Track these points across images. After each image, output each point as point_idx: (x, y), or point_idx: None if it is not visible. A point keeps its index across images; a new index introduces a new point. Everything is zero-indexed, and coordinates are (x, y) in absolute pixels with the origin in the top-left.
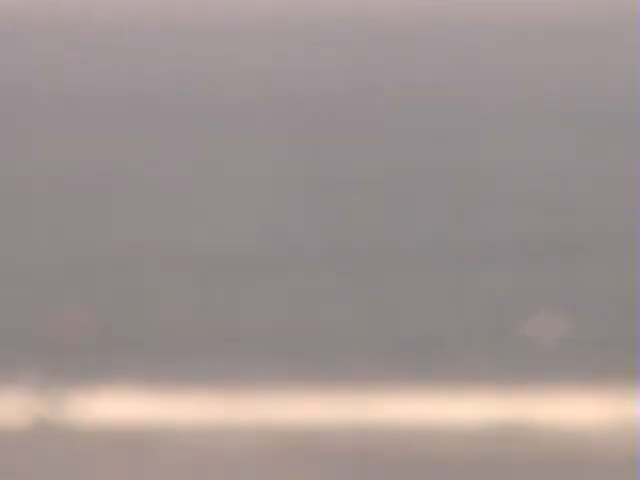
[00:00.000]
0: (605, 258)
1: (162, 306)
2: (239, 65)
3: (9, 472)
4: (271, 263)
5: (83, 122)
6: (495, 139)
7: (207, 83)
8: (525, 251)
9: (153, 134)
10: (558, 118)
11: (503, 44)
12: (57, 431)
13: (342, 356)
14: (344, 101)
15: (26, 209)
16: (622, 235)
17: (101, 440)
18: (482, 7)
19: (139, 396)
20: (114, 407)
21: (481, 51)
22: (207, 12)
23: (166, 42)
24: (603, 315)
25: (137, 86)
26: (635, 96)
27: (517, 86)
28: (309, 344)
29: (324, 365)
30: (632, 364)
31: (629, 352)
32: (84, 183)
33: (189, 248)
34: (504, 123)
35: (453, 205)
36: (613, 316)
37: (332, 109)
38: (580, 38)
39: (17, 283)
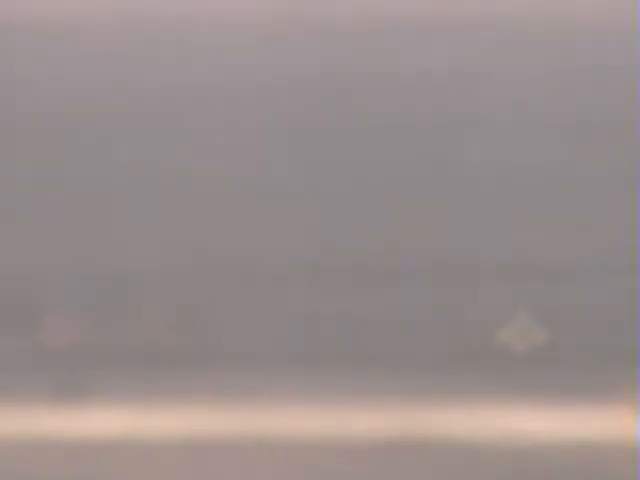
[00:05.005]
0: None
1: (163, 315)
2: (239, 65)
3: None
4: (269, 273)
5: (84, 121)
6: (490, 142)
7: (207, 81)
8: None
9: (151, 134)
10: (557, 123)
11: (502, 43)
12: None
13: (328, 373)
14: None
15: (25, 213)
16: (611, 252)
17: (98, 452)
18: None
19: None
20: (108, 419)
21: (480, 50)
22: (206, 8)
23: (166, 40)
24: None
25: (137, 85)
26: (635, 97)
27: (515, 86)
28: (306, 359)
29: (313, 380)
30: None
31: (621, 367)
32: (81, 186)
33: (187, 255)
34: (500, 127)
35: (441, 215)
36: (595, 331)
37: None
38: (580, 38)
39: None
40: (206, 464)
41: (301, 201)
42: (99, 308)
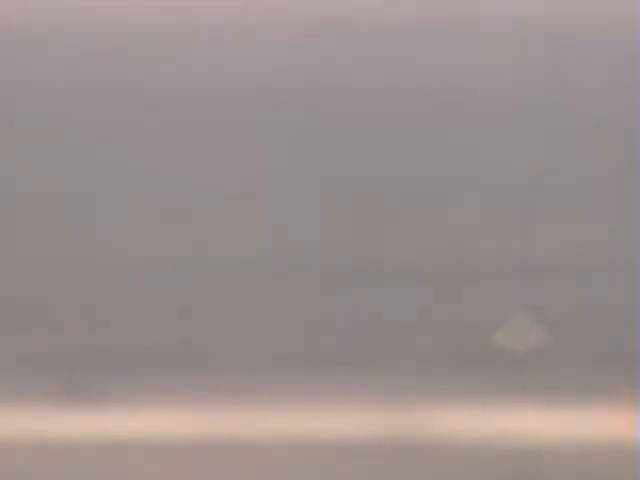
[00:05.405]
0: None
1: (166, 319)
2: (240, 68)
3: None
4: (268, 273)
5: (86, 123)
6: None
7: (210, 83)
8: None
9: (150, 137)
10: (557, 122)
11: (503, 43)
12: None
13: (327, 374)
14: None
15: (26, 214)
16: (610, 252)
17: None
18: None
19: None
20: (123, 420)
21: (479, 50)
22: (208, 11)
23: (168, 42)
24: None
25: (139, 86)
26: (635, 97)
27: (515, 86)
28: (306, 359)
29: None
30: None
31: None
32: (75, 189)
33: (182, 259)
34: (498, 131)
35: (441, 217)
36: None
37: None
38: (579, 37)
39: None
40: (206, 464)
41: (300, 201)
42: (99, 308)
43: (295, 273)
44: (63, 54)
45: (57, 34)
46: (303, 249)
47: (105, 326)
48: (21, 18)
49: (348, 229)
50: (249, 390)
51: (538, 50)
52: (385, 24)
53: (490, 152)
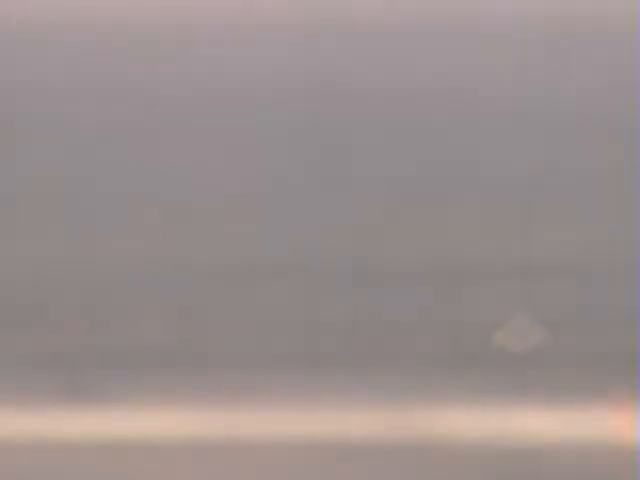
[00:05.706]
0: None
1: (167, 320)
2: (241, 69)
3: None
4: (268, 273)
5: (86, 124)
6: (490, 146)
7: (212, 84)
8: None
9: (149, 138)
10: (558, 122)
11: (502, 44)
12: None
13: (328, 375)
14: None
15: (27, 215)
16: (609, 251)
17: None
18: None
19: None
20: (126, 420)
21: (478, 51)
22: (209, 11)
23: (170, 42)
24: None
25: (139, 86)
26: (635, 97)
27: (514, 86)
28: (306, 359)
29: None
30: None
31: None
32: (75, 189)
33: (180, 259)
34: (500, 133)
35: (441, 217)
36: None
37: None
38: (579, 37)
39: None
40: (206, 464)
41: (300, 201)
42: (99, 308)
43: (295, 273)
44: (63, 54)
45: (57, 34)
46: (303, 249)
47: (105, 326)
48: (21, 18)
49: (348, 229)
50: (249, 390)
51: (538, 50)
52: (385, 24)
53: (490, 152)
